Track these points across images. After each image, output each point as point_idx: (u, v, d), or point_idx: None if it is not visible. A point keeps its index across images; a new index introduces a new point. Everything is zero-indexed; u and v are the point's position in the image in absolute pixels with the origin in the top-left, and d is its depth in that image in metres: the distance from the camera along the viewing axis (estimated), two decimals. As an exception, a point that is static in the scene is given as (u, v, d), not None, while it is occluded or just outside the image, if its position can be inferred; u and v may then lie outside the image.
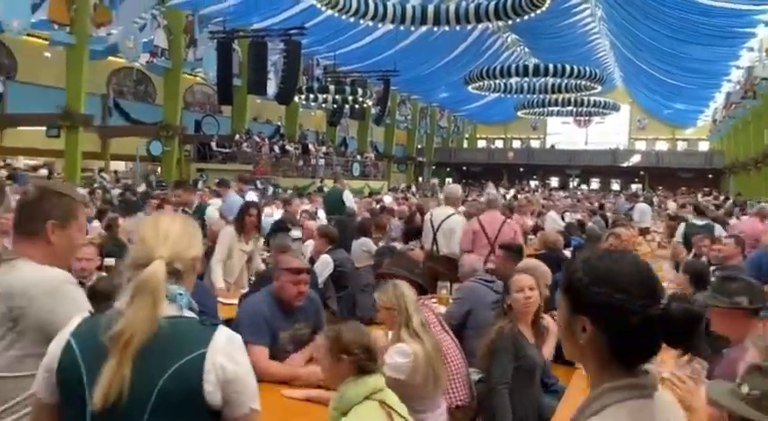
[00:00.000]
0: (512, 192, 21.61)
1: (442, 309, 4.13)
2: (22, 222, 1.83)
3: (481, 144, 49.05)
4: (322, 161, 23.14)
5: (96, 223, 7.01)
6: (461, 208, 7.50)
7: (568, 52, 28.52)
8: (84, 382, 1.33)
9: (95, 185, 15.77)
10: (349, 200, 9.61)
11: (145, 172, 22.23)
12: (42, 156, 22.67)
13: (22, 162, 23.11)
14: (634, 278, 1.13)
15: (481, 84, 24.60)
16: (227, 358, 1.36)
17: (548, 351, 3.32)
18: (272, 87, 21.98)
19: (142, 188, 15.74)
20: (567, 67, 22.58)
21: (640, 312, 1.10)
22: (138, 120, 24.24)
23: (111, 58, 20.60)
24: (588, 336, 1.14)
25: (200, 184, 18.09)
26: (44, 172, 21.51)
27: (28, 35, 17.48)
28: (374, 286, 4.52)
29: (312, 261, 5.28)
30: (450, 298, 4.50)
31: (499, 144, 48.15)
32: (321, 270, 5.16)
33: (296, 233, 6.30)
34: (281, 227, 6.31)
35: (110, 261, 4.70)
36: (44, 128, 19.18)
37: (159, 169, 23.13)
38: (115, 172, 23.81)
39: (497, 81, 24.39)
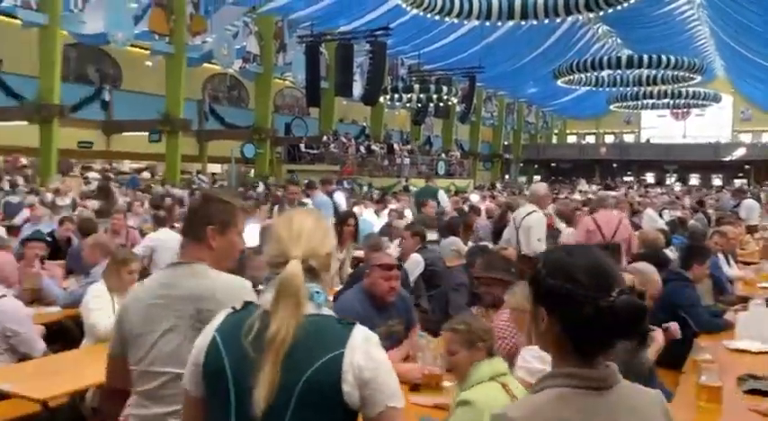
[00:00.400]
0: (622, 190, 20.72)
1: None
2: (189, 227, 1.94)
3: (571, 139, 47.67)
4: (407, 160, 23.20)
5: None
6: (551, 206, 7.30)
7: (664, 42, 27.19)
8: (227, 376, 1.37)
9: (194, 186, 16.55)
10: (443, 199, 9.55)
11: (239, 173, 23.11)
12: (145, 160, 24.06)
13: (127, 166, 24.63)
14: (588, 270, 1.16)
15: (571, 77, 23.92)
16: (365, 357, 1.36)
17: (652, 355, 3.16)
18: (357, 88, 22.28)
19: (261, 188, 16.37)
20: (663, 58, 21.53)
21: (591, 303, 1.12)
22: (231, 123, 25.24)
23: (205, 64, 21.56)
24: (545, 326, 1.18)
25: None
26: (147, 175, 22.83)
27: (131, 46, 18.57)
28: (467, 285, 4.49)
29: (399, 259, 5.28)
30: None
31: (590, 139, 46.58)
32: (412, 269, 5.15)
33: (431, 235, 6.10)
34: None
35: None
36: (147, 133, 20.36)
37: (252, 171, 23.99)
38: (213, 174, 24.91)
39: (588, 74, 23.63)
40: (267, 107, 22.81)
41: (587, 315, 1.12)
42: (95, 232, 5.67)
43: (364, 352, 1.36)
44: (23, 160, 21.04)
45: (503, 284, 3.33)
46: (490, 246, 6.19)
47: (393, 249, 6.01)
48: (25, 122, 16.49)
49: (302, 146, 23.17)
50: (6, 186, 13.77)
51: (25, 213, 8.55)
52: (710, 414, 2.64)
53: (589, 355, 1.16)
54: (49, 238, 5.78)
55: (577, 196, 16.43)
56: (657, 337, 3.10)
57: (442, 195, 9.75)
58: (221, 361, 1.39)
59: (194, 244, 1.91)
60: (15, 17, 15.73)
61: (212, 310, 1.74)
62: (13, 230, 7.50)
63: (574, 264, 1.17)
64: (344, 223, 5.50)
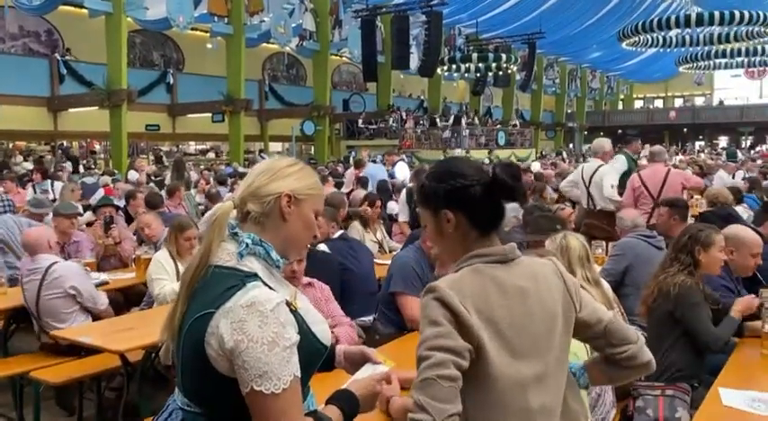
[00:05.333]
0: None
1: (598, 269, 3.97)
2: None
3: (638, 104, 45.92)
4: (466, 132, 22.93)
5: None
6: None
7: (737, -4, 25.63)
8: None
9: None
10: None
11: (300, 151, 23.45)
12: (209, 141, 24.72)
13: (192, 147, 25.38)
14: (465, 166, 1.42)
15: (637, 39, 22.89)
16: (232, 325, 1.21)
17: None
18: (414, 61, 22.09)
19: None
20: (737, 13, 20.30)
21: (480, 184, 1.37)
22: (291, 102, 25.58)
23: (264, 44, 21.83)
24: (453, 223, 1.40)
25: (350, 160, 18.81)
26: (212, 155, 23.50)
27: (192, 29, 18.98)
28: (523, 246, 4.47)
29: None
30: (607, 256, 4.32)
31: (659, 103, 44.71)
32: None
33: None
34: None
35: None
36: (210, 114, 20.90)
37: (313, 148, 24.29)
38: (274, 153, 25.42)
39: (655, 35, 22.56)
40: (325, 84, 22.94)
41: (481, 195, 1.38)
42: (162, 205, 5.93)
43: (236, 319, 1.21)
44: (96, 145, 22.06)
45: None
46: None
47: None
48: (96, 108, 17.20)
49: (360, 121, 23.28)
50: (81, 169, 14.53)
51: (101, 192, 8.99)
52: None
53: (489, 233, 1.41)
54: (122, 213, 6.10)
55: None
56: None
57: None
58: None
59: None
60: (82, 7, 16.32)
61: None
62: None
63: (453, 166, 1.43)
64: (372, 205, 5.58)
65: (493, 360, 1.30)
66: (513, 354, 1.33)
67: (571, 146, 36.34)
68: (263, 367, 1.20)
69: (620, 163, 6.49)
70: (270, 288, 1.30)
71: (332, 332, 2.90)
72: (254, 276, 1.30)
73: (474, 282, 1.34)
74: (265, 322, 1.21)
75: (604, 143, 6.26)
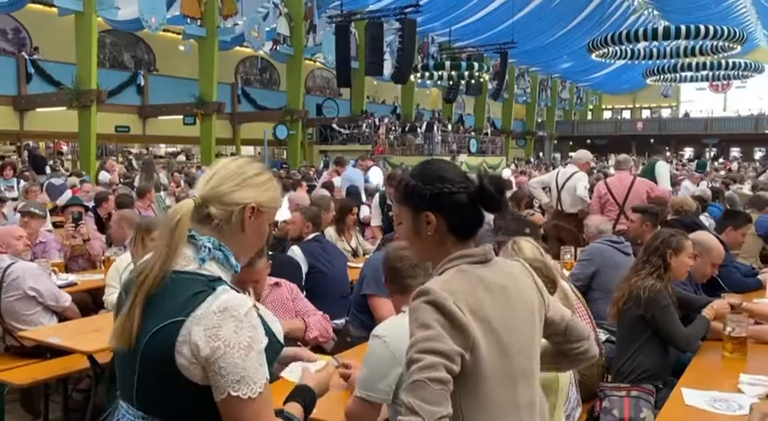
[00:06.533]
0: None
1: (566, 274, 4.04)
2: None
3: (607, 115, 46.76)
4: (438, 139, 23.11)
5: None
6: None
7: (703, 12, 26.35)
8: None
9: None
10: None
11: (272, 155, 23.32)
12: (180, 143, 24.45)
13: (162, 149, 25.08)
14: (451, 171, 1.42)
15: (606, 51, 23.32)
16: (207, 332, 1.18)
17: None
18: (388, 68, 22.17)
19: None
20: (702, 28, 20.83)
21: (465, 192, 1.38)
22: (263, 106, 25.44)
23: (237, 47, 21.69)
24: (432, 226, 1.40)
25: (330, 166, 18.80)
26: (182, 158, 23.25)
27: (164, 31, 18.77)
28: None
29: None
30: (575, 261, 4.40)
31: (626, 114, 45.63)
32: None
33: None
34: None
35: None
36: (181, 116, 20.67)
37: (285, 152, 24.19)
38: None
39: (624, 47, 23.01)
40: (298, 88, 22.88)
41: (465, 202, 1.39)
42: (132, 207, 5.86)
43: (210, 326, 1.18)
44: (64, 146, 21.65)
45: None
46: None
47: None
48: (64, 108, 16.89)
49: (334, 126, 23.29)
50: (48, 170, 14.25)
51: (68, 194, 8.83)
52: (735, 363, 2.66)
53: (467, 238, 1.42)
54: (92, 214, 6.00)
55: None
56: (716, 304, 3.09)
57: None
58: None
59: None
60: (52, 5, 16.04)
61: None
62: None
63: (440, 169, 1.43)
64: (349, 212, 5.59)
65: (485, 357, 1.32)
66: (504, 351, 1.36)
67: (541, 154, 36.81)
68: (240, 372, 1.18)
69: (665, 168, 6.95)
70: (237, 291, 1.28)
71: (302, 320, 2.97)
72: (219, 280, 1.27)
73: (463, 281, 1.36)
74: (240, 327, 1.20)
75: (588, 156, 6.70)
